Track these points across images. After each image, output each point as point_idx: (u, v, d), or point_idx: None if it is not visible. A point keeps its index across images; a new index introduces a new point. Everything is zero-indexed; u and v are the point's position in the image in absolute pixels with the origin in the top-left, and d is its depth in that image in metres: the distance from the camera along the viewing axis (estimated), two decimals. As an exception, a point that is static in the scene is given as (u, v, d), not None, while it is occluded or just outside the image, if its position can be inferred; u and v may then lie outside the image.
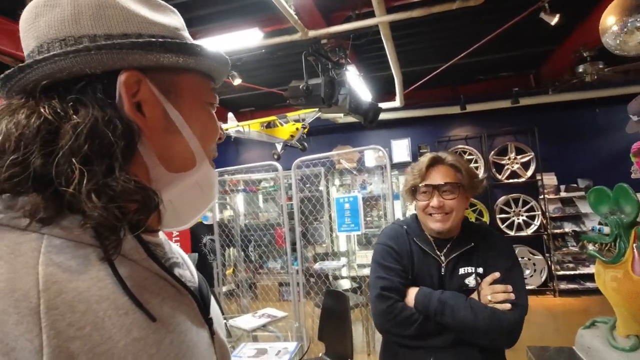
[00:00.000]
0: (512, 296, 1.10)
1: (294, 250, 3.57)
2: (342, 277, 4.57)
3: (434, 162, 1.21)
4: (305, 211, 3.81)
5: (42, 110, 0.38)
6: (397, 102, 4.86)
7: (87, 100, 0.40)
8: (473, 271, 1.16)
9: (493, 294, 1.12)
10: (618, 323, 2.80)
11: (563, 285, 5.04)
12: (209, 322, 0.49)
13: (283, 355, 1.74)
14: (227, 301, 4.46)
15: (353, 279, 4.33)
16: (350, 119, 5.73)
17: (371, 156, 5.54)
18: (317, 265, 4.26)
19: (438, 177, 1.19)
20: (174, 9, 0.51)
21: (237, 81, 3.74)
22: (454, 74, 4.74)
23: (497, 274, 1.14)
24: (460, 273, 1.17)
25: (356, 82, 3.82)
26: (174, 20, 0.49)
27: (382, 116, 5.63)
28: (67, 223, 0.37)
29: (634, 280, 2.53)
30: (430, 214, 1.18)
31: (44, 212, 0.36)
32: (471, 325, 1.07)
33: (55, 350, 0.31)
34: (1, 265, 0.33)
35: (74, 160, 0.37)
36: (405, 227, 1.27)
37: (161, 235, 0.52)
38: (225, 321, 2.24)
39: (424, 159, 1.22)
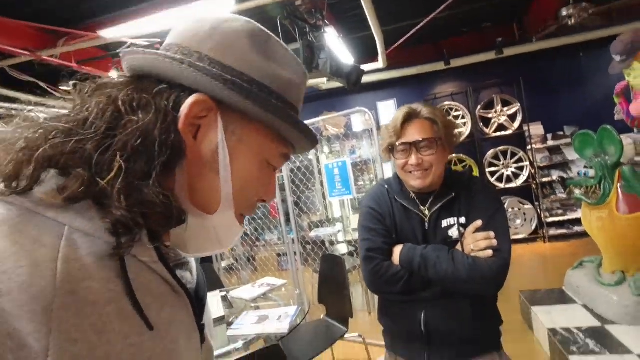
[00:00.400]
0: (495, 242, 1.08)
1: (288, 220, 3.60)
2: (339, 242, 4.65)
3: (409, 117, 1.15)
4: (297, 181, 3.81)
5: (119, 97, 0.41)
6: (380, 63, 4.75)
7: (158, 102, 0.41)
8: (455, 222, 1.15)
9: (475, 242, 1.10)
10: (604, 261, 2.92)
11: (553, 232, 5.20)
12: (201, 327, 0.49)
13: (284, 319, 1.79)
14: (227, 275, 4.54)
15: (349, 242, 4.41)
16: (334, 84, 5.62)
17: (358, 120, 5.48)
18: (312, 233, 4.32)
19: (414, 132, 1.14)
20: (300, 64, 0.52)
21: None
22: (436, 29, 4.61)
23: (478, 222, 1.12)
24: (443, 226, 1.16)
25: (336, 45, 3.71)
26: (289, 72, 0.49)
27: (366, 78, 5.52)
28: (90, 215, 0.37)
29: (619, 219, 2.62)
30: (410, 172, 1.16)
31: (72, 194, 0.36)
32: (452, 276, 1.07)
33: (59, 351, 0.31)
34: (24, 256, 0.32)
35: (117, 155, 0.38)
36: (386, 186, 1.26)
37: None
38: (225, 293, 2.28)
39: (399, 114, 1.16)
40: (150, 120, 0.40)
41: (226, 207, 0.47)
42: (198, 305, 0.49)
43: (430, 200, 1.19)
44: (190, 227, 0.46)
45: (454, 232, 1.15)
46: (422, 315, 1.14)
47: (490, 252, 1.08)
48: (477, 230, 1.12)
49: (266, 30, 0.49)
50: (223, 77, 0.43)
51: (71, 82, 0.45)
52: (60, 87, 3.61)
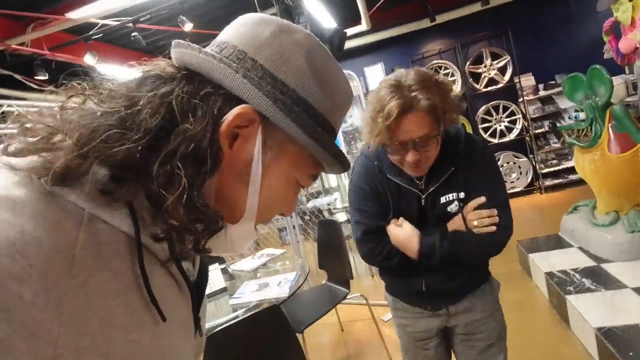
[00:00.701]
0: (497, 219, 1.07)
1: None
2: (337, 210, 4.68)
3: (405, 110, 0.95)
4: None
5: (172, 98, 0.40)
6: (363, 25, 4.61)
7: (206, 108, 0.41)
8: (455, 197, 1.10)
9: (479, 219, 1.07)
10: (598, 203, 2.95)
11: (548, 182, 5.23)
12: (197, 320, 0.49)
13: (284, 284, 1.82)
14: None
15: (347, 210, 4.43)
16: (320, 52, 5.48)
17: (347, 88, 5.39)
18: (309, 204, 4.34)
19: (412, 128, 0.96)
20: (349, 86, 0.51)
21: (189, 26, 3.47)
22: (419, -16, 4.45)
23: (482, 199, 1.08)
24: (442, 202, 1.10)
25: (316, 8, 3.58)
26: (339, 98, 0.49)
27: (351, 43, 5.38)
28: (108, 202, 0.36)
29: (611, 159, 2.62)
30: (406, 166, 1.06)
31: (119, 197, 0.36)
32: (467, 260, 1.12)
33: (66, 343, 0.31)
34: (45, 241, 0.31)
35: (176, 163, 0.38)
36: (376, 162, 1.15)
37: None
38: (225, 266, 2.30)
39: (392, 106, 0.94)
40: (201, 129, 0.39)
41: (248, 219, 0.47)
42: (197, 297, 0.49)
43: (426, 174, 1.11)
44: (217, 244, 0.46)
45: (452, 208, 1.10)
46: (423, 281, 1.17)
47: (494, 228, 1.07)
48: (480, 205, 1.08)
49: (326, 48, 0.49)
50: (274, 95, 0.42)
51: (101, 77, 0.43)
52: (36, 78, 3.51)
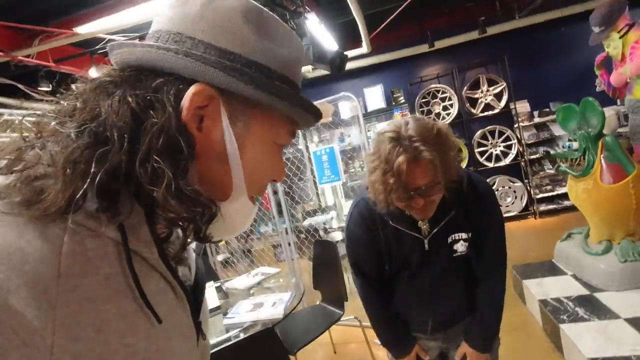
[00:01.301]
0: None
1: (280, 212, 3.60)
2: (332, 229, 4.67)
3: (411, 161, 0.96)
4: (288, 172, 3.80)
5: (129, 99, 0.39)
6: (364, 48, 4.72)
7: (162, 98, 0.40)
8: (461, 237, 1.11)
9: None
10: (591, 231, 2.97)
11: (543, 207, 5.27)
12: (197, 325, 0.48)
13: (278, 305, 1.81)
14: (223, 269, 4.55)
15: (343, 229, 4.42)
16: (320, 72, 5.58)
17: (346, 107, 5.46)
18: (305, 222, 4.33)
19: (417, 177, 0.97)
20: (297, 37, 0.50)
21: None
22: (419, 10, 4.59)
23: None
24: (448, 242, 1.12)
25: (318, 31, 3.67)
26: (287, 50, 0.48)
27: (352, 65, 5.49)
28: (92, 212, 0.36)
29: (603, 189, 2.66)
30: (412, 210, 1.06)
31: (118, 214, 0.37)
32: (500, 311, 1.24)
33: (62, 349, 0.31)
34: (30, 252, 0.32)
35: (154, 158, 0.37)
36: (378, 211, 1.10)
37: None
38: (220, 284, 2.29)
39: (400, 160, 0.95)
40: (165, 119, 0.39)
41: (239, 193, 0.46)
42: (195, 302, 0.49)
43: (429, 219, 1.10)
44: (216, 224, 0.46)
45: (459, 247, 1.11)
46: (430, 321, 1.23)
47: None
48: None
49: (257, 4, 0.47)
50: (222, 64, 0.41)
51: (61, 84, 0.43)
52: (40, 89, 3.54)
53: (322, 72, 5.46)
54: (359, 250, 1.18)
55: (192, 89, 0.41)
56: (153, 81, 0.41)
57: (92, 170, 0.35)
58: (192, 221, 0.40)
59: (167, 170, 0.37)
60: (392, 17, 4.09)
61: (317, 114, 0.49)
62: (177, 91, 0.41)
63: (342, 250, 3.17)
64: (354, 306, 3.70)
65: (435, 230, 1.10)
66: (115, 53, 0.43)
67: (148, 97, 0.39)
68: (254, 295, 2.14)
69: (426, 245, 1.11)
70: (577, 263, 2.78)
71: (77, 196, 0.34)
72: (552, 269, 3.00)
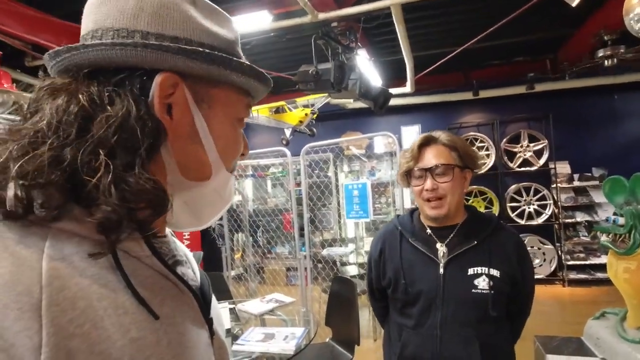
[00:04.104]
0: None
1: (301, 235, 3.58)
2: (350, 264, 4.59)
3: (427, 142, 1.15)
4: (314, 197, 3.80)
5: (80, 96, 0.39)
6: (407, 88, 4.76)
7: (123, 92, 0.41)
8: (484, 272, 1.08)
9: None
10: (629, 314, 2.76)
11: (573, 275, 4.99)
12: (209, 322, 0.49)
13: (290, 340, 1.76)
14: (235, 285, 4.54)
15: (360, 265, 4.34)
16: (360, 104, 5.65)
17: (380, 142, 5.48)
18: (324, 252, 4.28)
19: (431, 157, 1.12)
20: (232, 20, 0.53)
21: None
22: (467, 59, 4.61)
23: None
24: (469, 273, 1.09)
25: (366, 66, 3.74)
26: (229, 32, 0.50)
27: (392, 102, 5.52)
28: (76, 215, 0.37)
29: (648, 272, 2.46)
30: (427, 199, 1.13)
31: (55, 203, 0.36)
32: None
33: (54, 347, 0.31)
34: (6, 257, 0.32)
35: (100, 152, 0.37)
36: (399, 227, 1.21)
37: (167, 232, 0.52)
38: (234, 306, 2.27)
39: (416, 141, 1.16)
40: (124, 111, 0.39)
41: (218, 169, 0.49)
42: (203, 300, 0.49)
43: (448, 239, 1.13)
44: (195, 199, 0.49)
45: (480, 282, 1.08)
46: None
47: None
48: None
49: None
50: (179, 49, 0.42)
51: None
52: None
53: (361, 104, 5.54)
54: (370, 261, 1.28)
55: (157, 79, 0.42)
56: (113, 77, 0.41)
57: (43, 173, 0.35)
58: (125, 217, 0.37)
59: (115, 161, 0.37)
60: (439, 63, 4.12)
61: (262, 78, 0.51)
62: (142, 83, 0.42)
63: (357, 287, 3.10)
64: (362, 350, 3.57)
65: (452, 256, 1.10)
66: (62, 59, 0.42)
67: (107, 93, 0.40)
68: (264, 322, 2.10)
69: (441, 270, 1.10)
70: (609, 347, 2.56)
71: (38, 202, 0.35)
72: (580, 349, 2.78)
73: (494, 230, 1.14)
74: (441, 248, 1.13)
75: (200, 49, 0.44)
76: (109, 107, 0.39)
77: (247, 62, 0.48)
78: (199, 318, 0.46)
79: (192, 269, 0.53)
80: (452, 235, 1.14)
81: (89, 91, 0.40)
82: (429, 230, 1.17)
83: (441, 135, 1.15)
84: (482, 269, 1.09)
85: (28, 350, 0.30)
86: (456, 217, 1.15)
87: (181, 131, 0.45)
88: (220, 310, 0.59)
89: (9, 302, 0.30)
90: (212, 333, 0.49)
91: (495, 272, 1.08)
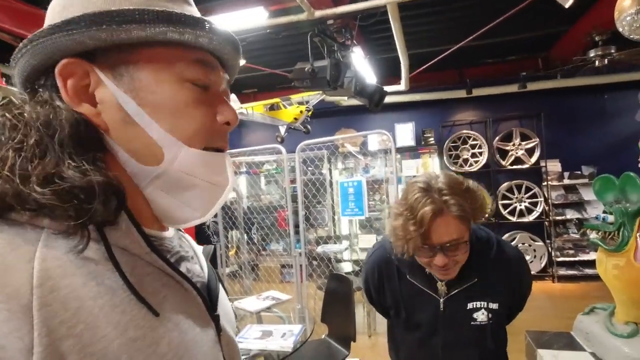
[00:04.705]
0: None
1: (296, 232, 3.59)
2: (344, 260, 4.61)
3: (437, 214, 0.93)
4: (309, 195, 3.81)
5: (6, 112, 0.39)
6: (402, 86, 4.78)
7: (40, 95, 0.40)
8: (483, 306, 1.06)
9: None
10: (617, 310, 2.82)
11: (562, 271, 5.09)
12: (215, 318, 0.47)
13: (288, 337, 1.78)
14: (230, 282, 4.54)
15: (355, 262, 4.37)
16: (354, 101, 5.65)
17: (374, 140, 5.50)
18: (319, 249, 4.30)
19: (442, 232, 0.94)
20: None
21: (241, 62, 3.67)
22: (461, 57, 4.64)
23: None
24: (468, 308, 1.07)
25: (362, 64, 3.75)
26: None
27: (387, 99, 5.55)
28: (58, 213, 0.35)
29: (636, 268, 2.54)
30: (434, 269, 1.03)
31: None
32: None
33: (46, 349, 0.30)
34: None
35: (23, 155, 0.36)
36: (396, 262, 1.11)
37: (170, 228, 0.50)
38: (230, 303, 2.27)
39: (426, 209, 0.93)
40: (37, 113, 0.38)
41: (171, 147, 0.42)
42: (210, 296, 0.48)
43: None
44: (170, 186, 0.43)
45: (479, 316, 1.06)
46: None
47: None
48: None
49: None
50: (65, 29, 0.38)
51: None
52: None
53: (355, 101, 5.55)
54: (371, 293, 1.22)
55: (56, 69, 0.40)
56: (37, 83, 0.42)
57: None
58: (72, 209, 0.36)
59: (43, 162, 0.36)
60: (434, 61, 4.14)
61: (197, 24, 0.42)
62: (53, 79, 0.40)
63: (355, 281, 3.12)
64: (357, 346, 3.60)
65: (453, 293, 1.06)
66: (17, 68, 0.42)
67: (38, 99, 0.40)
68: (261, 319, 2.12)
69: (441, 306, 1.07)
70: (598, 342, 2.62)
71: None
72: (570, 343, 2.84)
73: (494, 261, 1.07)
74: (442, 288, 1.08)
75: (72, 17, 0.38)
76: (26, 115, 0.38)
77: (163, 9, 0.40)
78: (203, 315, 0.45)
79: (200, 264, 0.52)
80: None
81: (16, 104, 0.40)
82: (428, 270, 1.07)
83: (449, 202, 0.93)
84: (481, 304, 1.06)
85: (19, 351, 0.29)
86: None
87: (112, 116, 0.41)
88: (229, 307, 0.57)
89: (0, 304, 0.30)
90: (219, 330, 0.48)
91: (494, 306, 1.06)
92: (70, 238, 0.36)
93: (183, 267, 0.46)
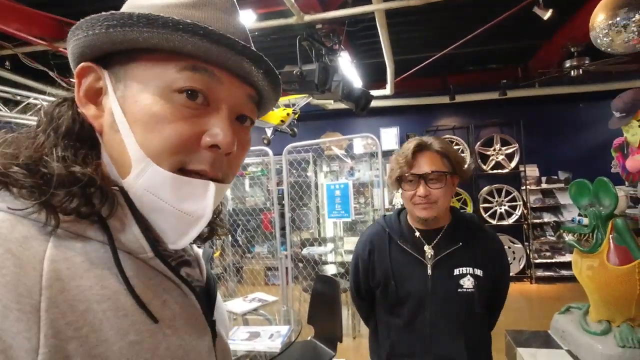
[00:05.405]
0: None
1: (282, 235, 3.59)
2: (329, 262, 4.64)
3: (420, 148, 1.14)
4: (295, 197, 3.83)
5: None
6: (387, 90, 4.86)
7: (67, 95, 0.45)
8: (469, 272, 1.14)
9: None
10: (591, 309, 2.95)
11: (540, 273, 5.25)
12: (211, 324, 0.48)
13: (276, 338, 1.78)
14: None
15: (340, 264, 4.40)
16: (340, 104, 5.71)
17: (359, 143, 5.56)
18: (305, 251, 4.31)
19: (424, 164, 1.13)
20: None
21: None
22: (445, 64, 4.75)
23: None
24: (455, 274, 1.14)
25: (348, 68, 3.80)
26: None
27: (372, 104, 5.63)
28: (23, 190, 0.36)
29: (609, 269, 2.66)
30: (417, 203, 1.15)
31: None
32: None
33: (51, 350, 0.31)
34: (9, 258, 0.32)
35: (28, 141, 0.40)
36: (387, 229, 1.24)
37: None
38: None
39: (410, 145, 1.15)
40: (52, 111, 0.42)
41: (139, 161, 0.39)
42: (207, 302, 0.48)
43: (436, 239, 1.18)
44: (144, 203, 0.41)
45: (465, 282, 1.13)
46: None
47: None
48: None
49: None
50: (73, 32, 0.40)
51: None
52: (71, 80, 3.62)
53: (341, 104, 5.60)
54: (356, 269, 1.29)
55: (77, 69, 0.42)
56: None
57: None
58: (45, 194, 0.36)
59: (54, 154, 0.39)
60: (418, 67, 4.23)
61: (210, 37, 0.38)
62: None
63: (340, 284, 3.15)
64: (342, 347, 3.62)
65: (439, 257, 1.15)
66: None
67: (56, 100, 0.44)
68: (247, 321, 2.11)
69: (429, 270, 1.15)
70: (573, 340, 2.74)
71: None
72: (547, 342, 2.95)
73: (476, 232, 1.20)
74: (429, 250, 1.16)
75: (87, 24, 0.39)
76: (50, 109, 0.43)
77: (164, 16, 0.37)
78: (201, 321, 0.45)
79: (200, 268, 0.53)
80: (438, 237, 1.18)
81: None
82: (417, 233, 1.20)
83: (433, 142, 1.15)
84: (467, 269, 1.14)
85: (26, 352, 0.30)
86: (443, 220, 1.20)
87: (106, 121, 0.42)
88: (225, 311, 0.58)
89: (10, 302, 0.30)
90: (215, 335, 0.48)
91: (479, 272, 1.14)
92: (79, 240, 0.37)
93: (183, 272, 0.46)
